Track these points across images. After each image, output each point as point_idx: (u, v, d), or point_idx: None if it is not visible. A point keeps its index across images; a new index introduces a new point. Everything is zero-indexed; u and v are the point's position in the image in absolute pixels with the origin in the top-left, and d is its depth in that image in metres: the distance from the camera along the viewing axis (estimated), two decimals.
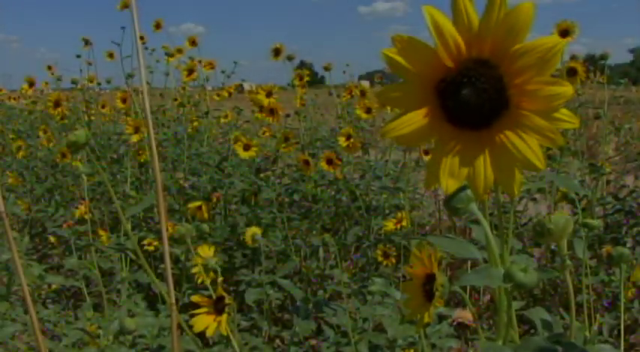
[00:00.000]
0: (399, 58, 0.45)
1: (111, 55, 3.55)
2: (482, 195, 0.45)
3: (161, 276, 2.18)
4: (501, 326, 0.60)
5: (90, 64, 3.56)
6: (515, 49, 0.42)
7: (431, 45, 0.44)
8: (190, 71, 2.95)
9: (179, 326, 0.85)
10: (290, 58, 2.88)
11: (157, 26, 3.33)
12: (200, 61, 3.10)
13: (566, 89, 0.41)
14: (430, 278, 0.63)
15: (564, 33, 2.21)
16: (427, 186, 0.48)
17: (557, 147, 0.43)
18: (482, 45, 0.43)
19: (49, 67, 4.03)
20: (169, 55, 3.23)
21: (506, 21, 0.41)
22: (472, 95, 0.43)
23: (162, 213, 0.70)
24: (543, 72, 0.41)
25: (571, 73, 2.23)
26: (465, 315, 1.16)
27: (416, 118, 0.46)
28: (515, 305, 1.42)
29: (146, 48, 3.46)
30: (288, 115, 3.18)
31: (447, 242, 0.63)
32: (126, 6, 2.93)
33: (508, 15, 0.41)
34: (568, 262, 0.64)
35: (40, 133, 3.11)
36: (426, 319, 0.61)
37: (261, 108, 2.60)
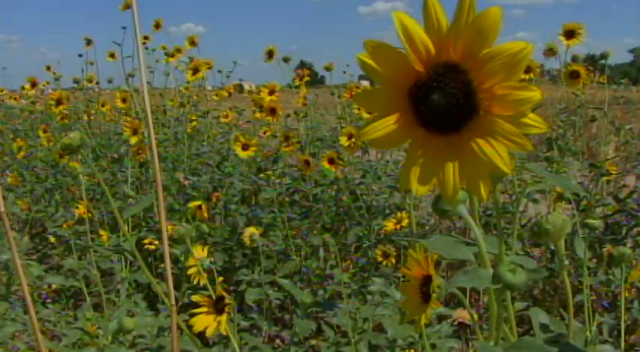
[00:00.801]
0: (371, 63, 0.45)
1: (112, 55, 3.55)
2: (451, 199, 0.45)
3: (161, 276, 2.18)
4: (493, 327, 0.60)
5: (91, 63, 3.56)
6: (483, 54, 0.42)
7: (402, 50, 0.44)
8: (195, 70, 2.95)
9: (179, 327, 0.85)
10: (286, 60, 2.89)
11: (157, 26, 3.33)
12: (208, 65, 3.10)
13: (534, 94, 0.41)
14: (427, 280, 0.63)
15: (570, 34, 2.21)
16: (402, 188, 0.49)
17: (525, 151, 0.43)
18: (451, 49, 0.43)
19: (49, 67, 4.03)
20: (169, 54, 3.22)
21: (475, 25, 0.41)
22: (441, 99, 0.44)
23: (162, 214, 0.70)
24: (511, 76, 0.41)
25: (573, 75, 2.24)
26: (465, 315, 1.16)
27: (389, 122, 0.47)
28: (516, 305, 1.42)
29: (146, 48, 3.46)
30: (288, 115, 3.18)
31: (439, 244, 0.63)
32: (128, 7, 2.93)
33: (476, 19, 0.41)
34: (566, 262, 0.64)
35: (40, 133, 3.11)
36: (424, 320, 0.61)
37: (261, 108, 2.60)
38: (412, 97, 0.46)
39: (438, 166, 0.45)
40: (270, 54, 2.87)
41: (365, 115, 2.57)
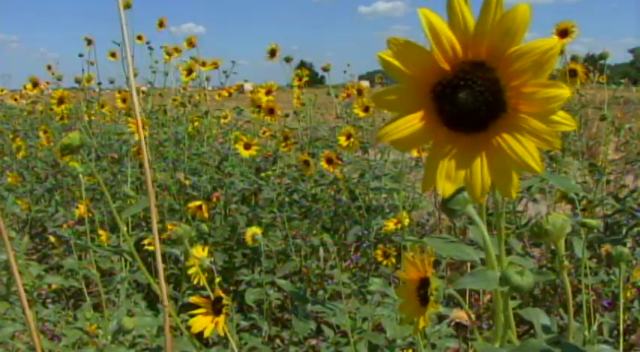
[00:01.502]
0: (394, 61, 0.45)
1: (113, 55, 3.56)
2: (479, 198, 0.45)
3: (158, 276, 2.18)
4: (499, 328, 0.60)
5: (92, 63, 3.56)
6: (511, 52, 0.41)
7: (426, 48, 0.44)
8: (189, 71, 2.95)
9: (177, 327, 0.85)
10: (288, 60, 2.89)
11: (160, 24, 3.33)
12: (204, 63, 3.09)
13: (563, 91, 0.41)
14: (424, 283, 0.63)
15: (564, 33, 2.21)
16: (424, 189, 0.48)
17: (555, 149, 0.43)
18: (478, 47, 0.43)
19: (49, 67, 4.03)
20: (168, 54, 3.23)
21: (502, 23, 0.41)
22: (469, 98, 0.43)
23: (154, 213, 0.70)
24: (540, 74, 0.41)
25: (571, 74, 2.24)
26: (463, 316, 1.16)
27: (412, 122, 0.46)
28: (514, 304, 1.42)
29: (149, 48, 3.47)
30: (287, 115, 3.18)
31: (442, 244, 0.63)
32: (128, 6, 2.93)
33: (504, 17, 0.41)
34: (566, 263, 0.64)
35: (41, 134, 3.11)
36: (422, 324, 0.61)
37: (260, 108, 2.60)
38: (437, 96, 0.45)
39: (465, 165, 0.45)
40: (272, 53, 2.87)
41: (362, 115, 2.57)
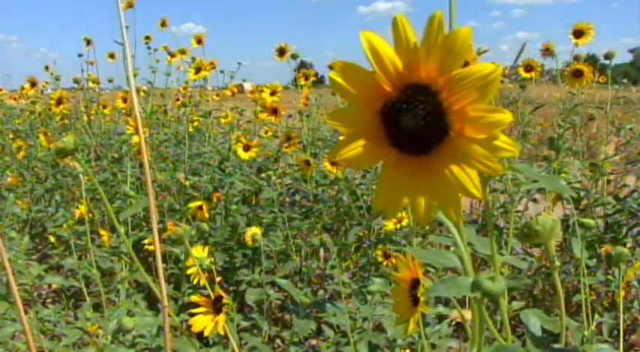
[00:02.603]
0: (342, 83, 0.45)
1: (112, 56, 3.56)
2: (422, 220, 0.45)
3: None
4: (476, 333, 0.59)
5: (92, 63, 3.56)
6: (452, 75, 0.41)
7: (369, 70, 0.44)
8: (198, 70, 2.95)
9: (177, 327, 0.85)
10: (295, 57, 2.86)
11: (163, 24, 3.33)
12: (207, 66, 3.09)
13: (506, 116, 0.40)
14: (416, 283, 0.63)
15: (579, 34, 2.21)
16: (374, 208, 0.48)
17: (496, 175, 0.42)
18: (421, 70, 0.42)
19: (47, 67, 4.04)
20: (171, 54, 3.23)
21: (444, 45, 0.40)
22: (411, 121, 0.43)
23: (153, 213, 0.70)
24: (481, 98, 0.40)
25: (577, 74, 2.24)
26: (464, 315, 1.16)
27: (361, 142, 0.46)
28: (515, 305, 1.42)
29: (149, 48, 3.47)
30: (290, 116, 3.18)
31: (423, 251, 0.63)
32: (129, 5, 2.93)
33: (445, 39, 0.40)
34: (557, 263, 0.64)
35: (41, 136, 3.12)
36: (412, 325, 0.61)
37: (264, 108, 2.60)
38: (384, 118, 0.45)
39: (408, 187, 0.45)
40: (281, 51, 2.83)
41: None
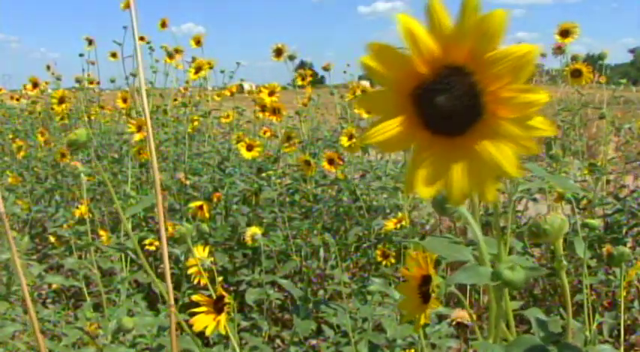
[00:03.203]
0: (375, 65, 0.45)
1: (114, 55, 3.56)
2: (458, 202, 0.45)
3: (162, 276, 2.18)
4: (492, 325, 0.60)
5: (92, 63, 3.56)
6: (488, 56, 0.41)
7: (405, 52, 0.44)
8: (198, 69, 2.95)
9: (179, 326, 0.85)
10: (292, 58, 2.87)
11: (163, 25, 3.33)
12: (208, 65, 3.09)
13: (541, 96, 0.41)
14: (426, 280, 0.63)
15: (565, 33, 2.21)
16: (405, 192, 0.48)
17: (532, 154, 0.43)
18: (456, 51, 0.43)
19: (48, 67, 4.03)
20: (170, 55, 3.23)
21: (480, 27, 0.41)
22: (446, 102, 0.43)
23: (161, 213, 0.70)
24: (517, 79, 0.41)
25: (576, 74, 2.24)
26: (464, 315, 1.16)
27: (393, 125, 0.46)
28: (515, 304, 1.42)
29: (150, 48, 3.47)
30: (289, 116, 3.18)
31: (439, 245, 0.63)
32: (128, 6, 2.93)
33: (481, 21, 0.41)
34: (564, 263, 0.64)
35: (39, 136, 3.12)
36: (423, 320, 0.61)
37: (264, 108, 2.60)
38: (416, 100, 0.45)
39: (443, 169, 0.45)
40: (278, 52, 2.85)
41: (365, 115, 2.57)
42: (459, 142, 0.44)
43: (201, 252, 1.12)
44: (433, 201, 0.59)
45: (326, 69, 3.18)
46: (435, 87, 0.44)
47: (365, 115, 2.59)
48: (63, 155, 2.73)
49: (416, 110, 0.46)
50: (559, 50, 2.35)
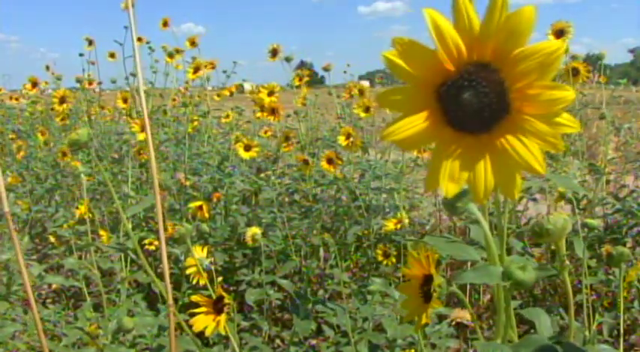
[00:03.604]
0: (399, 61, 0.44)
1: (112, 55, 3.55)
2: (482, 199, 0.45)
3: (162, 276, 2.18)
4: (500, 326, 0.60)
5: (93, 63, 3.56)
6: (516, 53, 0.41)
7: (431, 48, 0.44)
8: (196, 69, 2.95)
9: (179, 326, 0.85)
10: (288, 60, 2.89)
11: (164, 24, 3.33)
12: (206, 65, 3.09)
13: (568, 93, 0.41)
14: (428, 280, 0.63)
15: (560, 33, 2.21)
16: (427, 189, 0.48)
17: (559, 151, 0.42)
18: (483, 48, 0.43)
19: (47, 67, 4.03)
20: (170, 55, 3.23)
21: (508, 24, 0.41)
22: (473, 99, 0.43)
23: (160, 214, 0.70)
24: (544, 76, 0.41)
25: (573, 73, 2.24)
26: (464, 315, 1.16)
27: (416, 122, 0.46)
28: (513, 304, 1.42)
29: (150, 48, 3.47)
30: (288, 116, 3.18)
31: (444, 243, 0.63)
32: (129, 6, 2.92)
33: (509, 18, 0.41)
34: (567, 262, 0.64)
35: (39, 136, 3.11)
36: (424, 320, 0.61)
37: (262, 108, 2.60)
38: (442, 96, 0.45)
39: (468, 165, 0.45)
40: (274, 52, 2.87)
41: (363, 115, 2.57)
42: (485, 139, 0.44)
43: (200, 252, 1.12)
44: (444, 201, 0.59)
45: (326, 69, 3.18)
46: (461, 83, 0.44)
47: (363, 115, 2.60)
48: (64, 154, 2.73)
49: (440, 107, 0.45)
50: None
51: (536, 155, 0.42)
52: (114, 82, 3.68)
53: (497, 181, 0.44)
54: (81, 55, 3.53)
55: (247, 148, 2.41)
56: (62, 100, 2.78)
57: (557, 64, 0.41)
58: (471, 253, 0.62)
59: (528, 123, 0.42)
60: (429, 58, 0.44)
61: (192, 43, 3.18)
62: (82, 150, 0.77)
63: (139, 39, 3.32)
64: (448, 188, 0.46)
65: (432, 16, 0.43)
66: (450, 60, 0.44)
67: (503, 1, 0.41)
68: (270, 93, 2.66)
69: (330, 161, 2.22)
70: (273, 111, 2.61)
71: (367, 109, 2.57)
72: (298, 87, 2.95)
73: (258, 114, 2.65)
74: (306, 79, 2.94)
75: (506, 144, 0.43)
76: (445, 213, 2.57)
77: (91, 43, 3.46)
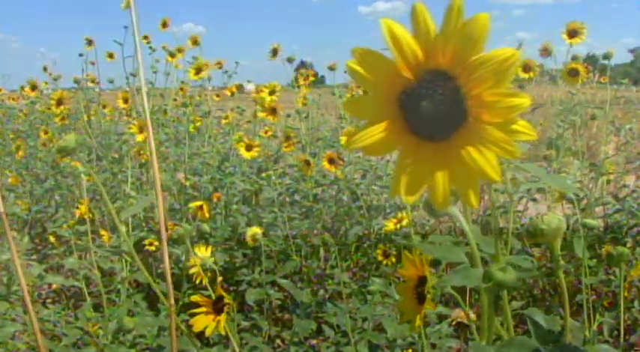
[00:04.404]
0: (360, 70, 0.45)
1: (111, 55, 3.55)
2: (441, 206, 0.45)
3: (162, 276, 2.18)
4: (485, 326, 0.60)
5: (92, 63, 3.56)
6: (472, 60, 0.41)
7: (389, 57, 0.44)
8: (198, 70, 2.95)
9: (179, 326, 0.85)
10: (290, 60, 2.90)
11: (164, 25, 3.33)
12: (206, 64, 3.10)
13: (524, 100, 0.41)
14: (422, 281, 0.63)
15: (573, 33, 2.22)
16: (391, 195, 0.49)
17: (515, 158, 0.43)
18: (440, 56, 0.43)
19: (45, 68, 4.03)
20: (171, 54, 3.23)
21: (463, 31, 0.41)
22: (430, 107, 0.43)
23: (161, 214, 0.70)
24: (500, 83, 0.41)
25: (573, 73, 2.24)
26: (464, 315, 1.16)
27: (379, 129, 0.47)
28: (515, 305, 1.42)
29: (150, 48, 3.46)
30: (289, 115, 3.19)
31: (432, 247, 0.63)
32: (129, 5, 2.92)
33: (464, 25, 0.41)
34: (562, 262, 0.64)
35: (41, 134, 3.11)
36: (418, 322, 0.61)
37: (264, 107, 2.61)
38: (402, 104, 0.45)
39: (427, 173, 0.45)
40: (274, 52, 2.88)
41: None
42: (444, 147, 0.45)
43: (203, 252, 1.12)
44: (424, 203, 0.59)
45: (332, 69, 3.19)
46: (420, 92, 0.44)
47: None
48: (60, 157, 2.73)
49: (401, 115, 0.46)
50: (545, 52, 2.35)
51: (492, 163, 0.42)
52: (111, 81, 3.68)
53: (456, 188, 0.44)
54: (81, 55, 3.52)
55: (249, 148, 2.42)
56: (59, 102, 2.78)
57: (512, 70, 0.41)
58: (458, 254, 0.62)
59: (485, 131, 0.42)
60: (387, 66, 0.44)
61: (195, 42, 3.18)
62: (76, 153, 0.77)
63: (145, 37, 3.32)
64: (407, 196, 0.46)
65: (388, 24, 0.43)
66: (407, 68, 0.44)
67: (458, 8, 0.41)
68: (272, 93, 2.67)
69: (331, 161, 2.22)
70: (272, 111, 2.61)
71: None
72: (300, 86, 2.96)
73: (260, 114, 2.65)
74: (311, 78, 2.95)
75: (463, 151, 0.43)
76: (426, 215, 2.57)
77: (90, 42, 3.46)
